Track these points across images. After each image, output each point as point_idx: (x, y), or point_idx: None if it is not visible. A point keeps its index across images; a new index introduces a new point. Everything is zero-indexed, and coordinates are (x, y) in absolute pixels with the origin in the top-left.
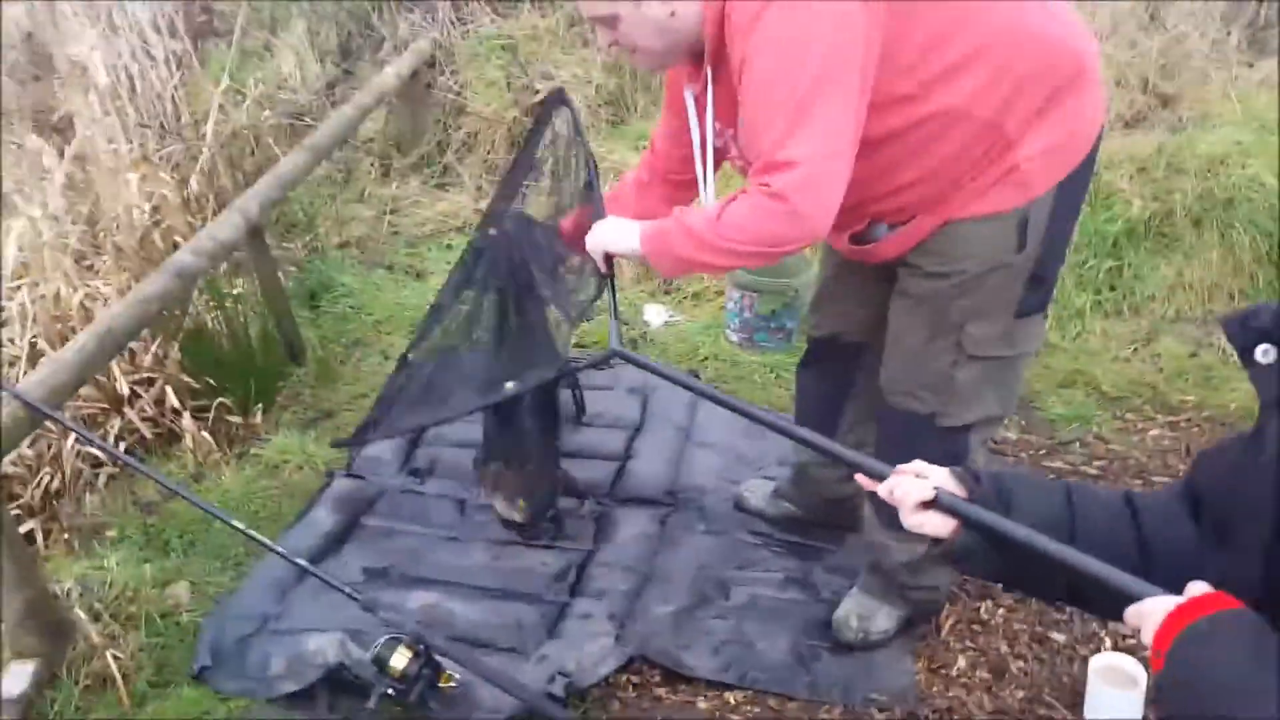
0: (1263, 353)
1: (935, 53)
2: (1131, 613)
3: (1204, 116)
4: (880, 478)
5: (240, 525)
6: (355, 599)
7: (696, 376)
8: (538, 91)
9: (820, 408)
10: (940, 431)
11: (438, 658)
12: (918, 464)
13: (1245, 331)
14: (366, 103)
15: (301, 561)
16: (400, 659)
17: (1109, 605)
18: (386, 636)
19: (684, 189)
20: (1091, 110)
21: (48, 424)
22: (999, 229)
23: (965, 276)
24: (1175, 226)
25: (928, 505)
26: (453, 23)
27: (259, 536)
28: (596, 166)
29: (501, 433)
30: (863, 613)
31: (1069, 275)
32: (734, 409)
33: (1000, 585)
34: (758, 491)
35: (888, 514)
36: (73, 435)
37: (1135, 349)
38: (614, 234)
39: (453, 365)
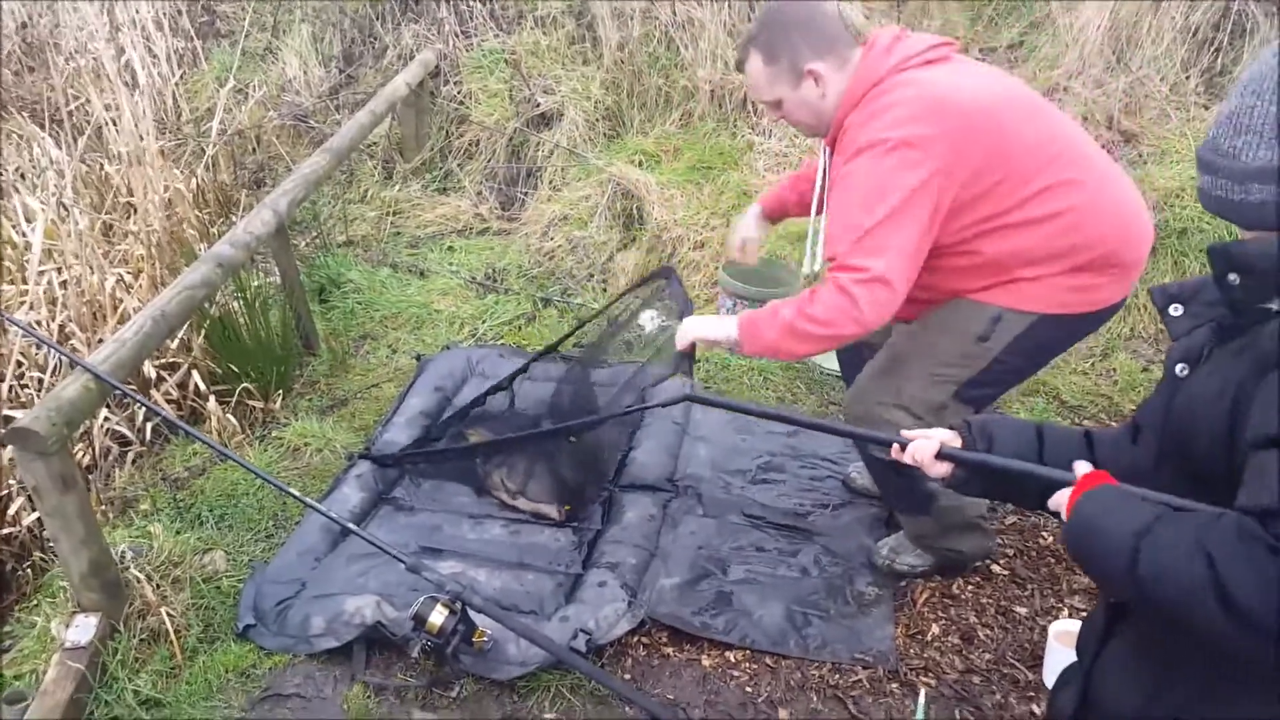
0: (1173, 309)
1: (1011, 212)
2: (1053, 500)
3: (1163, 153)
4: (901, 446)
5: (297, 493)
6: (403, 561)
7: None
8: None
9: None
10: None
11: (472, 615)
12: (921, 430)
13: (1163, 296)
14: (380, 109)
15: (353, 527)
16: (438, 616)
17: None
18: (426, 596)
19: None
20: (1106, 292)
21: None
22: (974, 314)
23: (925, 332)
24: None
25: (939, 456)
26: (457, 34)
27: (318, 506)
28: (687, 296)
29: (578, 450)
30: (897, 547)
31: None
32: (804, 425)
33: (992, 499)
34: (866, 472)
35: (907, 503)
36: (103, 413)
37: (1092, 363)
38: (709, 325)
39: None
